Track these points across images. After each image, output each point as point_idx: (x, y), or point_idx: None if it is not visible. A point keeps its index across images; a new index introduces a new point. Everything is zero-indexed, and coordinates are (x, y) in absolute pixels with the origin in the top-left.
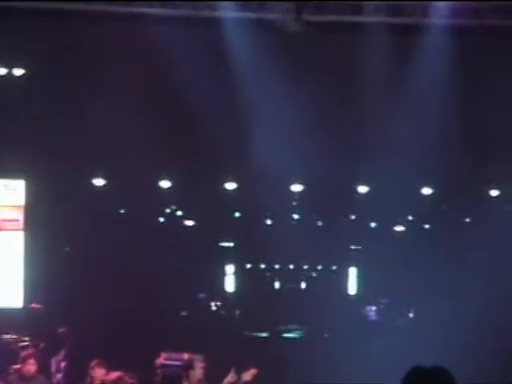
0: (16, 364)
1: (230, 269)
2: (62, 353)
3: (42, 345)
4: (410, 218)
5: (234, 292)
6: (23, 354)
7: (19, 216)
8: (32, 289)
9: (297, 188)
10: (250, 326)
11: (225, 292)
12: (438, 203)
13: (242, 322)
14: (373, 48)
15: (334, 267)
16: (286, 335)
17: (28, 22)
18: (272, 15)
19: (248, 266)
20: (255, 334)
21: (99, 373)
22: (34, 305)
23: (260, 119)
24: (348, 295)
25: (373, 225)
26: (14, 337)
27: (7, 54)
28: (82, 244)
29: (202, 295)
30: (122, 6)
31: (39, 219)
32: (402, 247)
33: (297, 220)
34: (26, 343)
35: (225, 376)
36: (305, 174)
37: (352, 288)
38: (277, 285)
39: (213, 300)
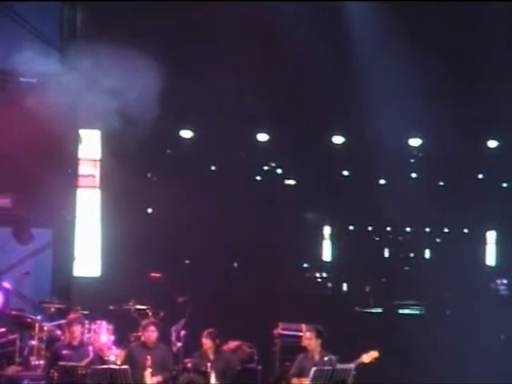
0: (137, 332)
1: (327, 231)
2: (182, 322)
3: (161, 314)
4: None
5: (338, 259)
6: (144, 322)
7: (95, 171)
8: (111, 256)
9: (415, 142)
10: (361, 301)
11: (329, 262)
12: None
13: (351, 295)
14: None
15: (466, 230)
16: (402, 311)
17: None
18: None
19: (351, 227)
20: (367, 309)
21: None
22: (153, 273)
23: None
24: (483, 265)
25: (504, 185)
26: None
27: None
28: (167, 205)
29: (306, 265)
30: None
31: (117, 176)
32: None
33: (415, 179)
34: (146, 312)
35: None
36: (424, 127)
37: (491, 257)
38: (388, 251)
39: (318, 270)
